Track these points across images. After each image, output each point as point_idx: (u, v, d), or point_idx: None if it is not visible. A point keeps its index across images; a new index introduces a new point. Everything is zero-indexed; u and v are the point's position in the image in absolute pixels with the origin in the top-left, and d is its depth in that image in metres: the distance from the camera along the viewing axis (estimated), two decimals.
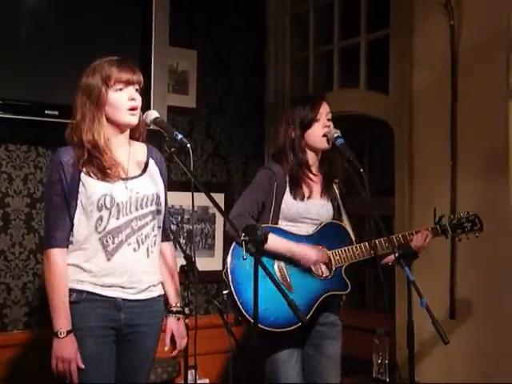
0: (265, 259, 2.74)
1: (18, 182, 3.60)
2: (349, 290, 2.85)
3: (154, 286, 2.51)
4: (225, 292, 2.74)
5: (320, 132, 2.86)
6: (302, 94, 4.34)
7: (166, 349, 2.58)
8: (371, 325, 3.45)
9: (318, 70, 4.49)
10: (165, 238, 2.62)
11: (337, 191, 2.99)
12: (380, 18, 3.97)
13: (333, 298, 2.87)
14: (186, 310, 2.70)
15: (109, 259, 2.39)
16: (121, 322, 2.42)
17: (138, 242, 2.43)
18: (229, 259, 2.76)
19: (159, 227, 2.53)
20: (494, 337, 3.27)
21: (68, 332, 2.33)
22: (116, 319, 2.41)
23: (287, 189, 2.86)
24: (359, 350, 3.29)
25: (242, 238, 2.18)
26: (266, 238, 2.23)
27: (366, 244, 2.84)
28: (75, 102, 2.44)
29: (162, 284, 2.58)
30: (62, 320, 2.34)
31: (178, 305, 2.61)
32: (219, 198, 4.13)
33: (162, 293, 2.57)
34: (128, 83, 2.42)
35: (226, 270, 2.75)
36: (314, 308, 2.78)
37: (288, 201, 2.86)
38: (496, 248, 3.27)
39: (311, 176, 2.91)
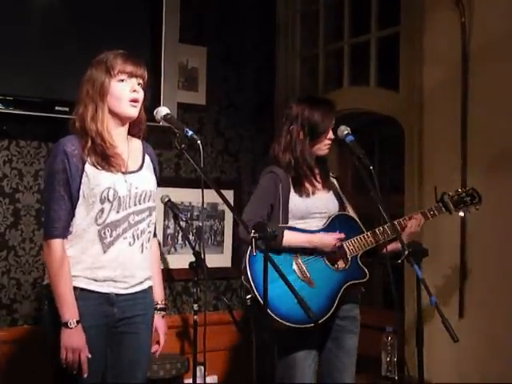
0: (284, 257, 2.79)
1: (28, 177, 3.62)
2: (367, 277, 2.89)
3: (145, 279, 2.50)
4: (248, 297, 2.75)
5: (326, 142, 2.93)
6: (308, 94, 4.31)
7: None
8: (380, 322, 3.43)
9: (327, 67, 4.48)
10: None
11: (336, 184, 3.05)
12: (390, 15, 3.95)
13: (353, 289, 2.89)
14: (195, 307, 2.70)
15: (105, 251, 2.38)
16: (114, 317, 2.41)
17: (133, 236, 2.42)
18: (247, 264, 2.76)
19: (153, 223, 2.52)
20: (504, 334, 3.26)
21: (77, 322, 2.31)
22: (109, 314, 2.40)
23: (291, 188, 2.90)
24: (368, 347, 3.27)
25: (251, 234, 2.19)
26: (276, 235, 2.23)
27: (376, 231, 2.88)
28: (79, 94, 2.43)
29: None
30: (71, 310, 2.32)
31: (163, 302, 2.62)
32: (229, 194, 4.13)
33: (151, 284, 2.55)
34: (131, 75, 2.42)
35: (246, 275, 2.75)
36: (337, 300, 2.82)
37: (295, 200, 2.89)
38: (507, 247, 3.26)
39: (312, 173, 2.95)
